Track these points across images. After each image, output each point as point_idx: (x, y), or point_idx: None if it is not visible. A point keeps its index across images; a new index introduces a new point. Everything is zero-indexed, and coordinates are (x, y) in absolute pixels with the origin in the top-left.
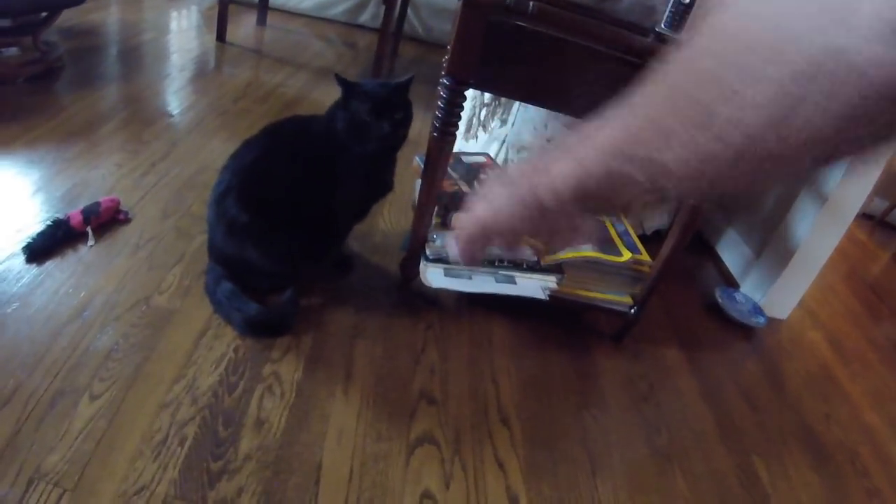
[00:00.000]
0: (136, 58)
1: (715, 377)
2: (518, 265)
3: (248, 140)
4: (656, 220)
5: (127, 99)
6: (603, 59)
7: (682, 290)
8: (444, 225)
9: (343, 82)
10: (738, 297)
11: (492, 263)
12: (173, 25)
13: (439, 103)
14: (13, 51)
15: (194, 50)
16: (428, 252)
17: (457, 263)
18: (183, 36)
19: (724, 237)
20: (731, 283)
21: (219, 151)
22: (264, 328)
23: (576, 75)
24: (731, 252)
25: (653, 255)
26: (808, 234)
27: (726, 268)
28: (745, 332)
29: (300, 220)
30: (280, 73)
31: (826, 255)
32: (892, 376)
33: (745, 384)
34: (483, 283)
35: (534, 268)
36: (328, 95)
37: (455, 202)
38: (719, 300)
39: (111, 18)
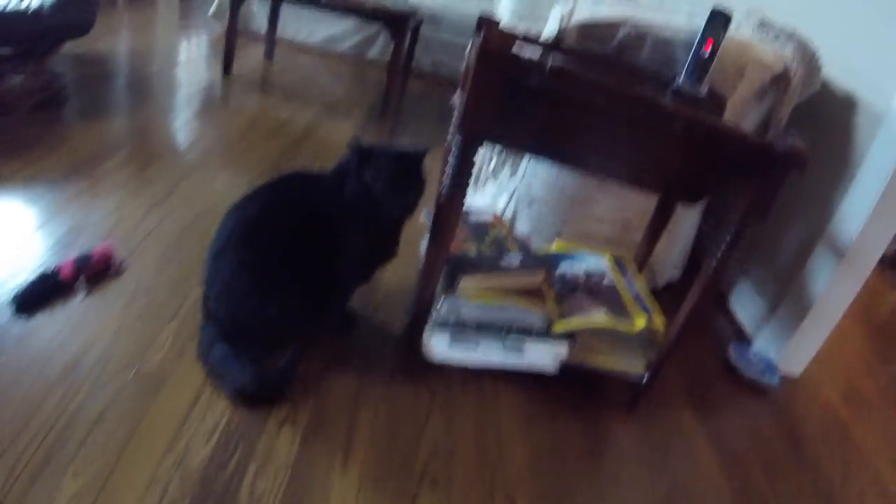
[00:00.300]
0: (142, 89)
1: (730, 443)
2: (527, 332)
3: (248, 194)
4: (667, 274)
5: (131, 132)
6: (620, 119)
7: (694, 345)
8: (451, 289)
9: (359, 149)
10: (751, 353)
11: (500, 330)
12: (182, 55)
13: (450, 159)
14: (17, 79)
15: (201, 82)
16: (433, 318)
17: (463, 326)
18: (191, 67)
19: (737, 288)
20: (743, 338)
21: (222, 192)
22: (257, 396)
23: (591, 133)
24: (745, 305)
25: (666, 308)
26: (824, 288)
27: (739, 322)
28: (759, 392)
29: (300, 282)
30: (287, 108)
31: (843, 309)
32: None
33: (762, 450)
34: (490, 352)
35: (543, 335)
36: (336, 132)
37: (463, 265)
38: (732, 358)
39: (120, 47)
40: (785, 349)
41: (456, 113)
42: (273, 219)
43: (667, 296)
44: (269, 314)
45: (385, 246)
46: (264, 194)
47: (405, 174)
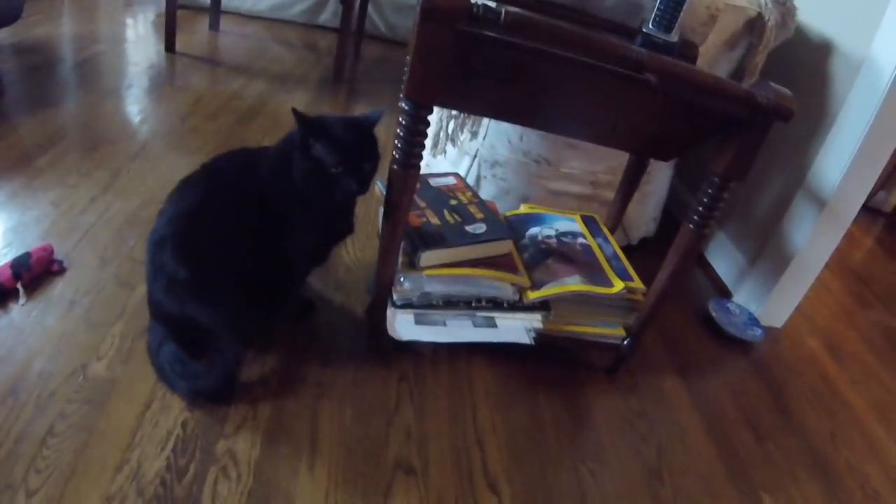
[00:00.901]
0: (82, 75)
1: (716, 405)
2: (498, 304)
3: (185, 179)
4: (642, 230)
5: (70, 122)
6: (586, 70)
7: (674, 303)
8: (413, 265)
9: (303, 121)
10: (732, 308)
11: (469, 304)
12: (125, 35)
13: (399, 131)
14: None
15: (143, 63)
16: (395, 297)
17: (427, 305)
18: (133, 47)
19: (714, 243)
20: (723, 292)
21: (165, 179)
22: (210, 393)
23: (556, 90)
24: (723, 259)
25: (641, 265)
26: (805, 239)
27: (718, 276)
28: (742, 346)
29: (248, 271)
30: (235, 82)
31: (824, 260)
32: (892, 380)
33: (748, 409)
34: (460, 330)
35: (516, 306)
36: (288, 104)
37: (424, 238)
38: (713, 314)
39: (60, 31)
40: (766, 302)
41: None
42: (212, 206)
43: (642, 251)
44: (217, 310)
45: (339, 223)
46: (201, 179)
47: (357, 145)
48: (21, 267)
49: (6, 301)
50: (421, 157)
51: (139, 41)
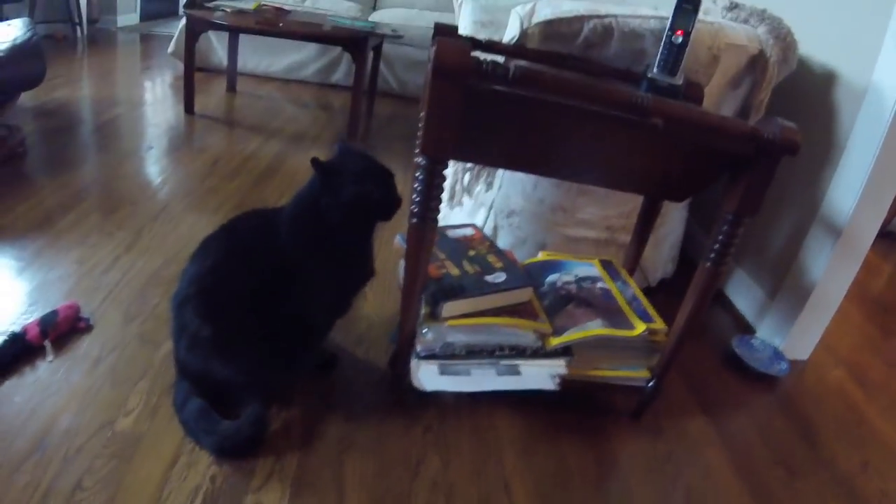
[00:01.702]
0: (102, 137)
1: (744, 443)
2: (521, 352)
3: (205, 240)
4: (660, 271)
5: (91, 183)
6: (594, 118)
7: (696, 342)
8: (434, 316)
9: (322, 168)
10: (755, 343)
11: (492, 353)
12: (144, 98)
13: (416, 186)
14: None
15: (162, 124)
16: (419, 348)
17: (451, 355)
18: (152, 109)
19: (733, 279)
20: (745, 329)
21: (186, 239)
22: (236, 448)
23: (566, 138)
24: (743, 295)
25: (662, 306)
26: (823, 270)
27: (738, 312)
28: (767, 381)
29: (270, 327)
30: (251, 143)
31: (844, 290)
32: None
33: (777, 445)
34: (484, 379)
35: (538, 353)
36: (303, 163)
37: (444, 290)
38: (737, 351)
39: (81, 94)
40: (789, 336)
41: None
42: (232, 264)
43: (662, 293)
44: (240, 366)
45: (360, 266)
46: (220, 239)
47: (379, 169)
48: (48, 325)
49: (34, 358)
50: (438, 210)
51: (158, 103)
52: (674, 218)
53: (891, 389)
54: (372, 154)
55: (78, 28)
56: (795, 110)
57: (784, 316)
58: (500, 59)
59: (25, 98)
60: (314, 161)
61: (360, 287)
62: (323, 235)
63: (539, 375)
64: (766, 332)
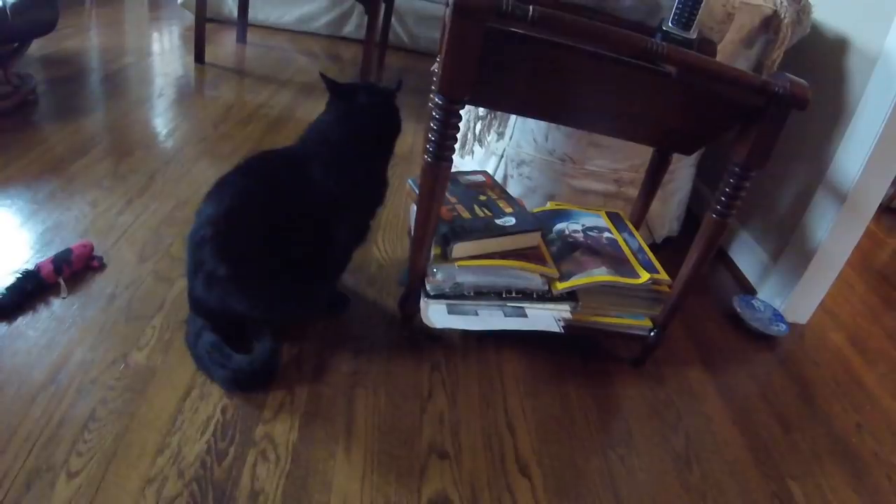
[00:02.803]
0: (112, 85)
1: (742, 396)
2: (528, 295)
3: (220, 180)
4: (666, 228)
5: (102, 130)
6: (610, 64)
7: (699, 300)
8: (445, 257)
9: (333, 84)
10: (756, 304)
11: (499, 295)
12: (153, 48)
13: (432, 125)
14: None
15: (172, 74)
16: (428, 287)
17: (459, 295)
18: (162, 59)
19: (737, 240)
20: (747, 289)
21: (199, 182)
22: (249, 381)
23: (580, 84)
24: (746, 256)
25: (666, 263)
26: (827, 234)
27: (741, 273)
28: (767, 341)
29: (287, 263)
30: (263, 92)
31: (846, 255)
32: None
33: (774, 400)
34: (491, 319)
35: (545, 297)
36: (314, 113)
37: (455, 231)
38: (738, 310)
39: (89, 44)
40: (790, 298)
41: (435, 76)
42: (249, 203)
43: (666, 250)
44: (257, 303)
45: (377, 189)
46: (237, 178)
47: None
48: (62, 262)
49: (48, 295)
50: (453, 150)
51: (167, 54)
52: (682, 175)
53: (889, 357)
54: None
55: None
56: (807, 73)
57: (786, 278)
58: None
59: (35, 48)
60: (322, 75)
61: (378, 205)
62: (350, 156)
63: (545, 318)
64: (768, 294)
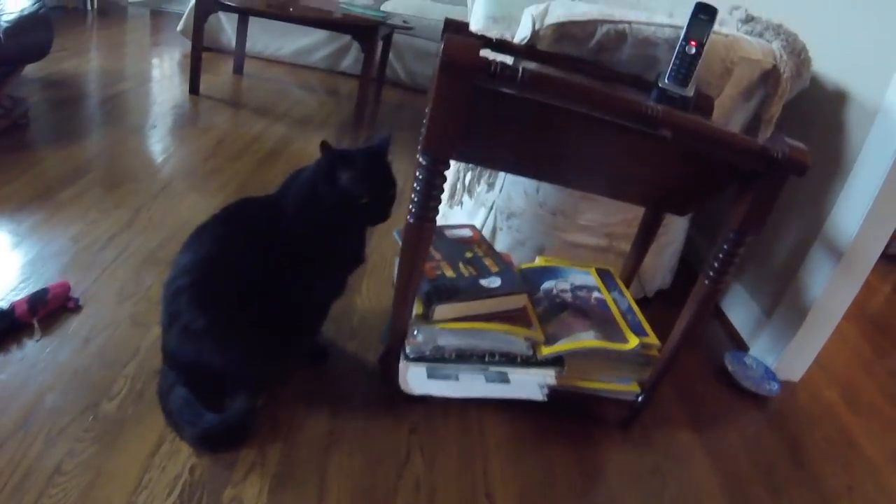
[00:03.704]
0: (107, 111)
1: (731, 459)
2: (512, 359)
3: (198, 229)
4: (658, 281)
5: (93, 158)
6: (602, 125)
7: (689, 355)
8: (427, 317)
9: (331, 153)
10: (748, 361)
11: (482, 358)
12: (152, 73)
13: (416, 185)
14: None
15: (167, 102)
16: (408, 349)
17: (440, 358)
18: (159, 86)
19: (730, 294)
20: (739, 344)
21: (185, 219)
22: (219, 442)
23: (572, 145)
24: (739, 310)
25: (657, 318)
26: (822, 290)
27: (734, 327)
28: (758, 400)
29: (267, 316)
30: (257, 125)
31: (842, 311)
32: None
33: (764, 463)
34: (472, 385)
35: (529, 361)
36: (308, 147)
37: (438, 291)
38: (729, 367)
39: (88, 66)
40: (783, 355)
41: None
42: (227, 253)
43: (658, 303)
44: (233, 357)
45: (355, 251)
46: (214, 227)
47: (380, 174)
48: (37, 302)
49: (21, 335)
50: (437, 211)
51: (165, 80)
52: (675, 227)
53: (881, 414)
54: (389, 159)
55: (88, 0)
56: (805, 126)
57: (779, 335)
58: (509, 59)
59: (33, 68)
60: (324, 144)
61: (353, 269)
62: (321, 216)
63: (528, 384)
64: (760, 350)
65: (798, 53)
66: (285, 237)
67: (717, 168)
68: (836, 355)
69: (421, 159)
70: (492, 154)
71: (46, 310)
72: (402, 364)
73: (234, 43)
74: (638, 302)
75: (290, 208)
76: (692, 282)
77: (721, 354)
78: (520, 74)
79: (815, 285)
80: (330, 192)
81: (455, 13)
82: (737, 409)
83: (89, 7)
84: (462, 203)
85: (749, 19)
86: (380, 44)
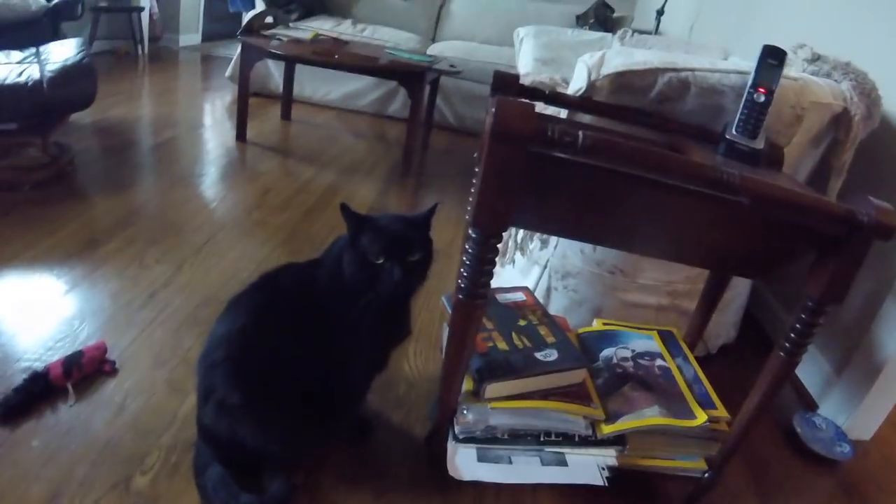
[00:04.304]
0: (153, 160)
1: None
2: (570, 438)
3: (235, 298)
4: (722, 337)
5: (137, 210)
6: (671, 190)
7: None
8: (477, 395)
9: (350, 215)
10: (818, 421)
11: (537, 438)
12: (201, 120)
13: (465, 258)
14: (23, 154)
15: (214, 151)
16: (457, 429)
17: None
18: (207, 133)
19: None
20: (808, 403)
21: (228, 275)
22: None
23: (633, 209)
24: (808, 367)
25: (722, 376)
26: None
27: (802, 385)
28: (829, 464)
29: (304, 393)
30: (304, 172)
31: None
32: None
33: None
34: (526, 469)
35: (588, 441)
36: (357, 195)
37: (490, 368)
38: (798, 429)
39: (138, 113)
40: (855, 415)
41: (470, 198)
42: (264, 325)
43: (722, 360)
44: (271, 436)
45: (396, 323)
46: (252, 297)
47: (401, 236)
48: (72, 365)
49: (55, 400)
50: (489, 286)
51: (214, 126)
52: (741, 282)
53: None
54: (423, 223)
55: (139, 46)
56: (876, 170)
57: (850, 393)
58: (562, 112)
59: (82, 115)
60: (343, 207)
61: (395, 344)
62: (349, 283)
63: (587, 466)
64: (830, 409)
65: (868, 94)
66: (321, 307)
67: (794, 233)
68: None
69: (471, 233)
70: (547, 220)
71: (82, 373)
72: (451, 446)
73: (281, 88)
74: (701, 360)
75: (324, 277)
76: (757, 335)
77: (789, 415)
78: (580, 140)
79: (890, 341)
80: (351, 256)
81: (502, 55)
82: (807, 476)
83: (140, 52)
84: (514, 262)
85: (815, 58)
86: (427, 88)
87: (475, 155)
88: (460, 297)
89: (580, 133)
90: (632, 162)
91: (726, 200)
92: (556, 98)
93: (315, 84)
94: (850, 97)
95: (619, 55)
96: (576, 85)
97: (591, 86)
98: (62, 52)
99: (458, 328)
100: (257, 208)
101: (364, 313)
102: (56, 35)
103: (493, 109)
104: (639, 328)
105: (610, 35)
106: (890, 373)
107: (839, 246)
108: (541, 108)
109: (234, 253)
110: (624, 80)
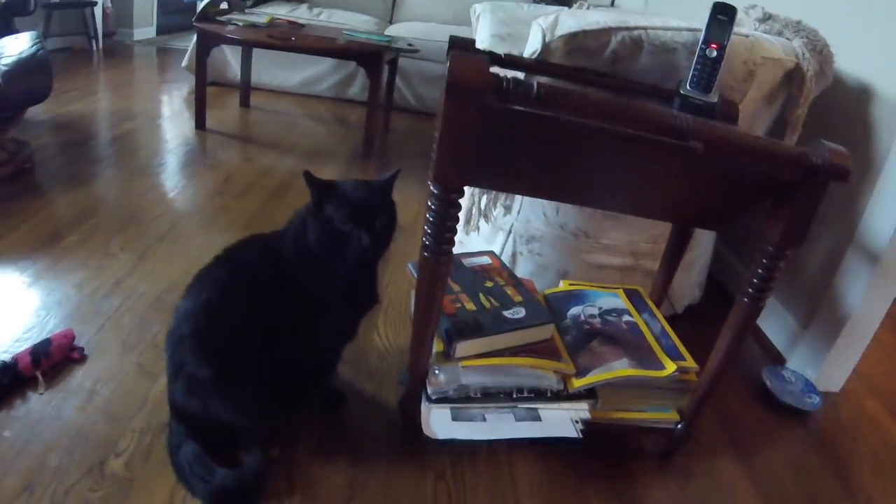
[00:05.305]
0: (112, 152)
1: (777, 483)
2: (542, 394)
3: (200, 273)
4: (688, 297)
5: (98, 201)
6: (626, 141)
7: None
8: (448, 356)
9: (314, 183)
10: (786, 375)
11: (510, 395)
12: (158, 112)
13: (428, 216)
14: None
15: (173, 140)
16: (430, 391)
17: (465, 398)
18: (165, 124)
19: (764, 307)
20: (776, 358)
21: (192, 261)
22: (233, 499)
23: (592, 162)
24: (774, 323)
25: (690, 336)
26: (859, 298)
27: (769, 341)
28: (800, 416)
29: (275, 362)
30: (265, 158)
31: (880, 318)
32: None
33: (811, 485)
34: (501, 426)
35: (560, 395)
36: (321, 177)
37: (459, 328)
38: (767, 382)
39: (95, 107)
40: (822, 367)
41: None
42: (229, 298)
43: (689, 320)
44: (243, 408)
45: (364, 291)
46: (216, 271)
47: (366, 202)
48: (40, 354)
49: (25, 390)
50: (453, 243)
51: (173, 117)
52: (703, 242)
53: None
54: (386, 188)
55: (94, 41)
56: (831, 126)
57: (817, 346)
58: (520, 74)
59: (39, 110)
60: (307, 174)
61: (364, 312)
62: (313, 251)
63: (561, 420)
64: (798, 363)
65: (820, 50)
66: (287, 277)
67: (751, 180)
68: (875, 364)
69: (432, 189)
70: (507, 177)
71: (50, 362)
72: (425, 407)
73: (239, 76)
74: (668, 320)
75: (287, 245)
76: (722, 296)
77: (757, 369)
78: (535, 90)
79: (852, 293)
80: (316, 224)
81: (461, 34)
82: (778, 428)
83: (95, 48)
84: (479, 228)
85: (766, 17)
86: (385, 69)
87: (435, 134)
88: (425, 254)
89: (535, 82)
90: (586, 111)
91: (682, 148)
92: (511, 61)
93: (273, 71)
94: (802, 53)
95: (572, 16)
96: (531, 48)
97: (545, 48)
98: (16, 45)
99: (425, 286)
100: (219, 195)
101: (332, 281)
102: (9, 31)
103: (449, 64)
104: (605, 287)
105: (566, 9)
106: (854, 325)
107: (795, 190)
108: (497, 71)
109: (198, 239)
110: (578, 42)
